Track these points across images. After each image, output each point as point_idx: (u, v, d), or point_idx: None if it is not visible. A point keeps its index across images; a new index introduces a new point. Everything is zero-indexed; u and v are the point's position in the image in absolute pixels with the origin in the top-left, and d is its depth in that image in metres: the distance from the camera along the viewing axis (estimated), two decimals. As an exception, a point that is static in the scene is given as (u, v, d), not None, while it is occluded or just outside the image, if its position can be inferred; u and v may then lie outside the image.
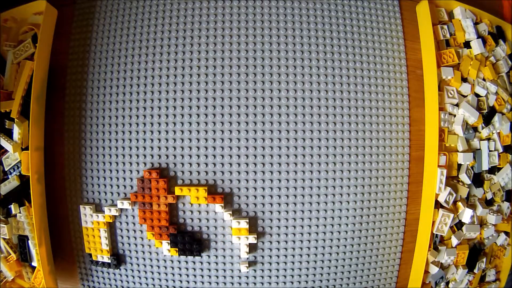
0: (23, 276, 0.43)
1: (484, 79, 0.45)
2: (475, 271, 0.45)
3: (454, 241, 0.43)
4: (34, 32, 0.43)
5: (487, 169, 0.43)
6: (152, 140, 0.41)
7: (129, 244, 0.42)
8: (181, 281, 0.42)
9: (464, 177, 0.42)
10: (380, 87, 0.42)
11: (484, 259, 0.45)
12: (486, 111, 0.44)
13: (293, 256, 0.41)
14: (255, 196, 0.40)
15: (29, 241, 0.41)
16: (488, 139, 0.44)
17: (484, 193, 0.44)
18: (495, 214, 0.44)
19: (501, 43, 0.47)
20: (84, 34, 0.44)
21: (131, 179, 0.41)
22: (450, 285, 0.44)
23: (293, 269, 0.42)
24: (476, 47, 0.44)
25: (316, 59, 0.41)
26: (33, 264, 0.42)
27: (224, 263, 0.41)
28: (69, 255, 0.44)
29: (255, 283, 0.42)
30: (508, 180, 0.45)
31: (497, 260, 0.48)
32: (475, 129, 0.44)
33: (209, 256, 0.41)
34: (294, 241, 0.41)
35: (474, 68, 0.44)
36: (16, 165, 0.41)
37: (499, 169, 0.45)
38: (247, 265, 0.41)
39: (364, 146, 0.41)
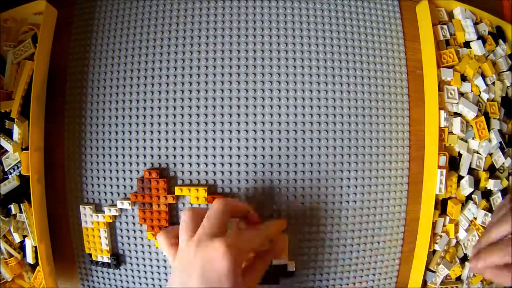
0: (23, 276, 0.43)
1: (483, 77, 0.45)
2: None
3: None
4: (34, 32, 0.43)
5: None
6: (152, 140, 0.41)
7: (129, 244, 0.42)
8: (181, 281, 0.42)
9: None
10: (380, 87, 0.42)
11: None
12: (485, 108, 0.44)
13: (293, 256, 0.41)
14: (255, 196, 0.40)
15: (29, 241, 0.41)
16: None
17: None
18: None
19: (501, 43, 0.47)
20: (84, 34, 0.44)
21: (131, 179, 0.41)
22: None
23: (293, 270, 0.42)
24: (477, 49, 0.44)
25: (316, 59, 0.41)
26: (30, 262, 0.42)
27: (224, 263, 0.41)
28: (69, 255, 0.44)
29: (255, 283, 0.41)
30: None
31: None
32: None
33: (209, 256, 0.41)
34: (294, 241, 0.41)
35: (473, 68, 0.44)
36: (16, 165, 0.41)
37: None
38: (247, 265, 0.41)
39: (364, 146, 0.41)
